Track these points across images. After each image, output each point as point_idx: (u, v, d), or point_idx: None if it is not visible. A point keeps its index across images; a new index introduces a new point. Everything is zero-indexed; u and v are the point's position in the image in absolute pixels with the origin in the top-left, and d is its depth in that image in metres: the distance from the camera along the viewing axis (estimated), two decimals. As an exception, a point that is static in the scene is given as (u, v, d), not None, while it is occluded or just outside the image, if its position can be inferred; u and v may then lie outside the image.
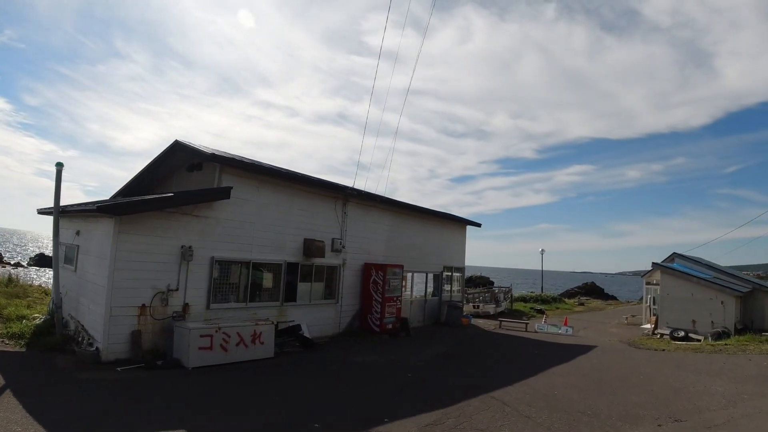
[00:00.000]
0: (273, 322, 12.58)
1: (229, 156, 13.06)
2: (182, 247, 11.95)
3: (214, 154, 12.78)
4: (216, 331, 11.26)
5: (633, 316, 26.41)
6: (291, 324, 14.18)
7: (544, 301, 35.63)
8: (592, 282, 52.98)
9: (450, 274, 23.15)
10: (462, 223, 24.09)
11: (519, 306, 31.68)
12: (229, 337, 11.47)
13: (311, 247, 14.84)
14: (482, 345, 17.08)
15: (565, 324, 22.57)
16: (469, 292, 30.48)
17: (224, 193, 12.75)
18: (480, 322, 23.71)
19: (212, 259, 12.54)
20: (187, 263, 12.05)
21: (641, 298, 49.05)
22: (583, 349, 17.01)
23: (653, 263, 24.45)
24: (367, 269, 17.02)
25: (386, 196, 18.05)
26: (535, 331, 21.51)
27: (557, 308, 33.59)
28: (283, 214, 14.52)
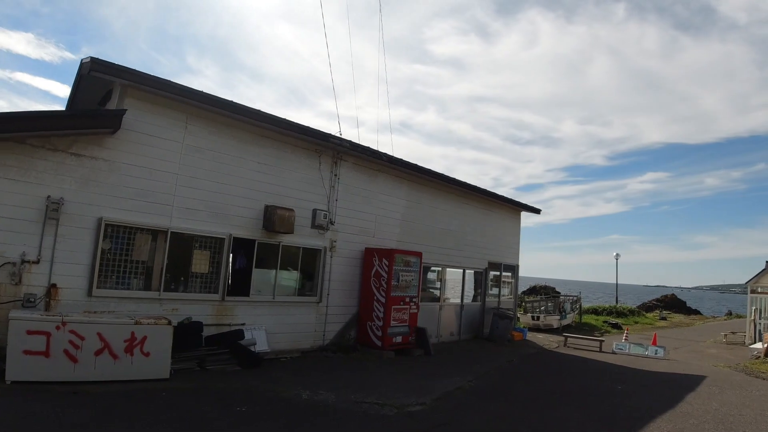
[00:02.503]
0: (169, 322, 7.60)
1: (130, 69, 8.32)
2: (48, 198, 7.56)
3: (101, 61, 8.06)
4: (58, 328, 6.69)
5: (733, 333, 21.60)
6: (230, 329, 9.17)
7: (619, 313, 30.34)
8: (673, 294, 49.08)
9: (498, 273, 17.31)
10: (515, 207, 18.23)
11: (589, 319, 26.09)
12: (83, 339, 6.95)
13: (274, 218, 9.81)
14: (537, 373, 11.36)
15: (654, 343, 16.67)
16: (527, 300, 24.34)
17: (110, 120, 8.18)
18: (539, 338, 17.86)
19: (100, 222, 8.16)
20: (56, 224, 7.72)
21: (728, 313, 44.58)
22: (689, 382, 11.08)
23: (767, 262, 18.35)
24: (368, 257, 11.74)
25: (404, 159, 12.68)
26: (614, 352, 15.79)
27: (636, 322, 28.32)
28: (230, 166, 9.71)
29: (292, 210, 10.08)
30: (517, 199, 17.84)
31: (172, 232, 8.89)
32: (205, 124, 9.40)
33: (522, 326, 18.88)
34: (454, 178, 14.32)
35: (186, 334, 8.39)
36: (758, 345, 17.33)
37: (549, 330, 19.90)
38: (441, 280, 14.82)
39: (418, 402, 7.25)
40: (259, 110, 9.63)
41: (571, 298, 24.73)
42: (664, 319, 33.42)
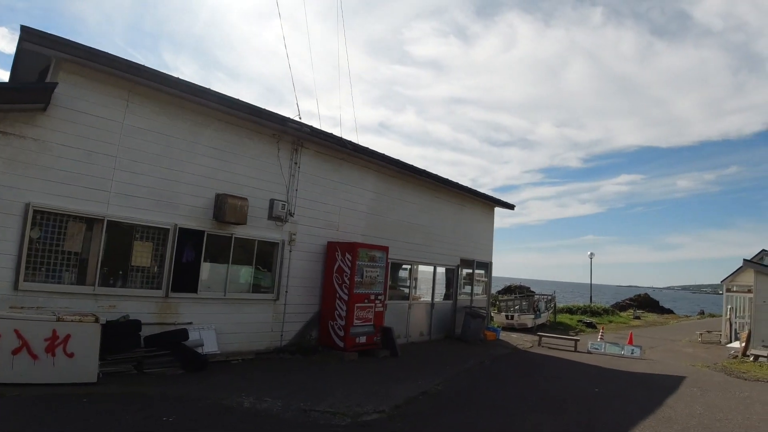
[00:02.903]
0: (96, 319, 6.83)
1: (63, 39, 7.49)
2: (-38, 181, 6.67)
3: (32, 31, 7.23)
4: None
5: (708, 332, 21.68)
6: (175, 328, 8.40)
7: (594, 313, 30.17)
8: (646, 294, 49.29)
9: (470, 271, 16.80)
10: (489, 203, 17.76)
11: (564, 318, 25.83)
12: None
13: (224, 207, 9.06)
14: (509, 375, 10.88)
15: (630, 342, 16.40)
16: (501, 299, 23.95)
17: (39, 94, 7.39)
18: (513, 337, 17.44)
19: (27, 208, 7.37)
20: (-29, 210, 6.77)
21: (701, 312, 45.04)
22: (669, 383, 10.72)
23: (744, 261, 18.47)
24: (331, 251, 11.06)
25: (371, 148, 12.01)
26: (589, 352, 15.45)
27: (610, 321, 28.36)
28: (178, 150, 8.96)
29: (245, 199, 9.34)
30: (492, 195, 17.33)
31: (109, 221, 8.09)
32: (149, 104, 8.62)
33: (496, 326, 18.43)
34: (425, 170, 13.72)
35: (121, 333, 7.63)
36: (735, 344, 17.36)
37: (523, 329, 19.51)
38: (410, 278, 14.23)
39: (376, 410, 6.61)
40: (208, 89, 8.87)
41: (545, 297, 24.37)
42: (638, 318, 33.55)
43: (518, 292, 31.34)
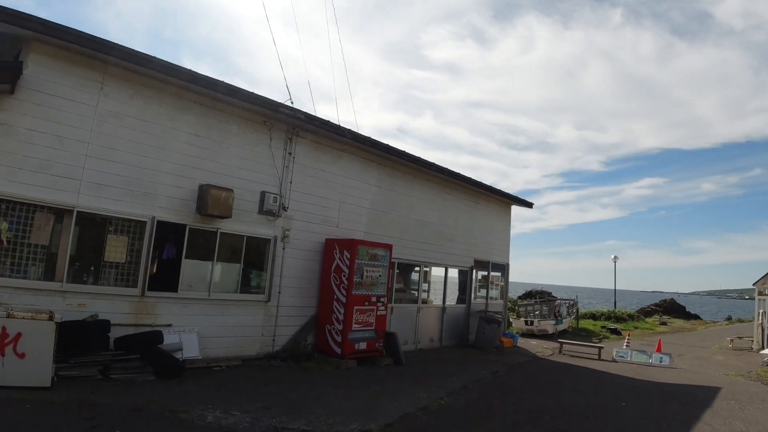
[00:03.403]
0: (50, 317, 6.24)
1: (33, 16, 6.98)
2: None
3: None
4: None
5: (739, 338, 20.94)
6: (149, 329, 7.78)
7: (618, 318, 29.37)
8: (672, 299, 48.97)
9: (485, 273, 15.93)
10: (505, 200, 16.84)
11: (587, 324, 24.97)
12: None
13: (207, 199, 8.42)
14: (525, 387, 10.02)
15: (659, 350, 15.40)
16: (520, 303, 22.97)
17: (4, 74, 6.90)
18: (532, 344, 16.54)
19: None
20: None
21: (728, 318, 44.96)
22: (703, 395, 9.87)
23: None
24: (329, 249, 10.35)
25: (372, 138, 11.29)
26: (614, 360, 14.59)
27: (636, 328, 27.51)
28: (157, 136, 8.41)
29: (230, 190, 8.69)
30: (508, 192, 16.41)
31: (79, 212, 7.56)
32: (126, 87, 8.09)
33: (514, 332, 17.55)
34: (434, 163, 12.94)
35: (86, 334, 7.07)
36: None
37: (544, 336, 18.70)
38: (419, 279, 13.43)
39: (361, 429, 5.82)
40: (190, 70, 8.29)
41: (567, 301, 23.37)
42: (664, 324, 32.92)
43: (539, 297, 30.35)
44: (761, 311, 19.56)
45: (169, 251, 8.56)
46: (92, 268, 7.88)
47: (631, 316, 31.69)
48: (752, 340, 20.03)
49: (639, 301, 61.69)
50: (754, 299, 20.39)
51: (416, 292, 13.36)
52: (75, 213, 7.49)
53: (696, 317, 43.09)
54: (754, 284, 20.79)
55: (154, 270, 8.36)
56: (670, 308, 43.70)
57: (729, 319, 42.73)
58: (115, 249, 8.01)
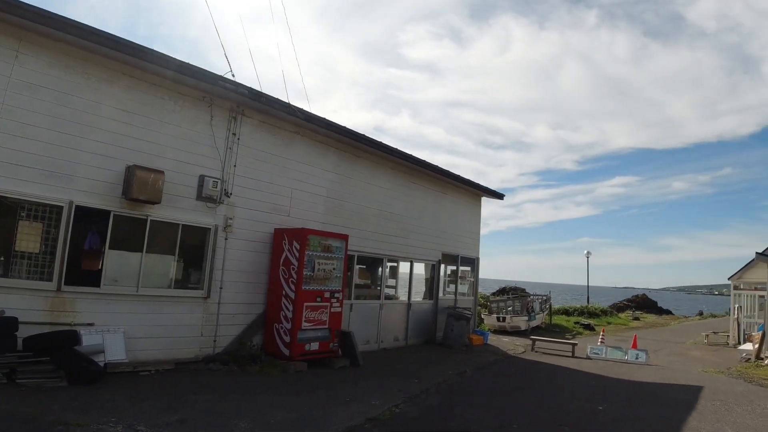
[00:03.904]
0: None
1: None
2: None
3: None
4: None
5: (714, 332, 21.24)
6: (67, 329, 6.99)
7: (591, 314, 29.86)
8: (644, 294, 49.87)
9: (454, 267, 15.40)
10: (475, 191, 16.34)
11: (560, 320, 25.02)
12: None
13: (135, 182, 7.67)
14: (493, 389, 9.53)
15: (634, 346, 15.19)
16: (492, 299, 22.65)
17: None
18: (504, 341, 16.19)
19: None
20: None
21: (700, 313, 45.74)
22: (685, 396, 9.52)
23: (757, 254, 16.99)
24: (278, 240, 9.66)
25: (329, 119, 10.59)
26: (589, 357, 14.30)
27: (609, 323, 28.06)
28: (78, 110, 7.66)
29: (160, 172, 7.93)
30: (478, 183, 15.88)
31: (-18, 195, 6.71)
32: (44, 55, 7.31)
33: (485, 329, 17.15)
34: (397, 149, 12.32)
35: (-14, 334, 6.21)
36: (747, 346, 16.47)
37: (516, 332, 18.45)
38: (381, 273, 12.80)
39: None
40: (111, 34, 7.45)
41: (540, 297, 23.17)
42: (637, 319, 33.43)
43: (512, 293, 30.15)
44: (737, 306, 19.75)
45: (91, 241, 7.76)
46: (1, 258, 7.08)
47: (604, 312, 32.20)
48: (728, 335, 20.18)
49: (611, 296, 63.22)
50: (723, 295, 20.76)
51: (376, 287, 12.75)
52: (-24, 196, 6.68)
53: (668, 312, 44.09)
54: (729, 278, 21.07)
55: (74, 261, 7.55)
56: (643, 304, 44.71)
57: (701, 314, 43.84)
58: (28, 237, 7.21)
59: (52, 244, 7.32)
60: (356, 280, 12.02)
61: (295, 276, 9.21)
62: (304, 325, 9.19)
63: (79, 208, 7.46)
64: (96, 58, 7.70)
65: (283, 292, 9.33)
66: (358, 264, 11.96)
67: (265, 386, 7.65)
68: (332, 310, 9.77)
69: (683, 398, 9.20)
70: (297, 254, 9.23)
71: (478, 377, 10.43)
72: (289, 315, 9.16)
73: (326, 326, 9.64)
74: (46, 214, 7.32)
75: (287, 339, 9.13)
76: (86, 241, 7.72)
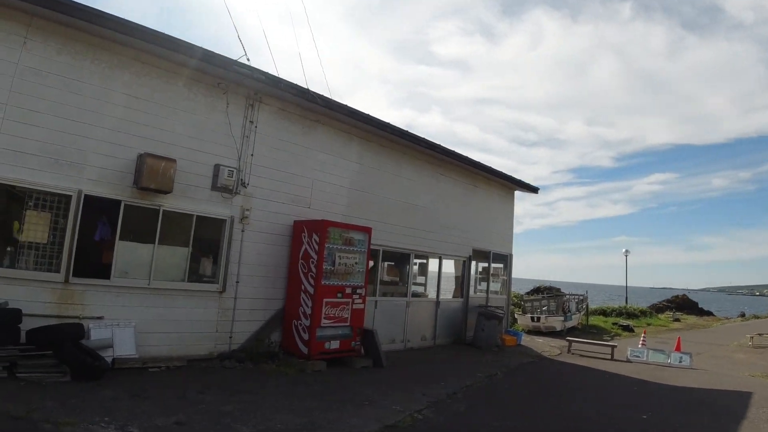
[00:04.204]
0: None
1: None
2: None
3: None
4: None
5: (759, 334, 20.19)
6: (73, 322, 6.77)
7: (630, 315, 28.72)
8: (684, 295, 48.42)
9: (486, 264, 14.76)
10: (508, 184, 15.66)
11: (597, 321, 24.20)
12: None
13: (145, 170, 7.37)
14: (525, 393, 9.01)
15: (678, 349, 14.27)
16: (526, 299, 21.90)
17: None
18: (538, 342, 15.51)
19: None
20: None
21: (742, 314, 44.38)
22: (733, 404, 8.76)
23: None
24: (298, 232, 9.29)
25: (351, 106, 10.16)
26: (628, 360, 13.53)
27: (648, 324, 26.85)
28: (86, 97, 7.48)
29: (171, 160, 7.65)
30: (511, 175, 15.18)
31: (-12, 184, 6.54)
32: (53, 41, 7.16)
33: (519, 329, 16.45)
34: (425, 139, 11.81)
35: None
36: None
37: (551, 333, 17.74)
38: (408, 269, 12.29)
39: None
40: (124, 19, 7.19)
41: (576, 297, 22.26)
42: (677, 320, 32.38)
43: (546, 292, 29.26)
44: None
45: (102, 232, 7.53)
46: (8, 249, 6.95)
47: (643, 312, 31.22)
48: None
49: (649, 297, 61.37)
50: (764, 296, 19.41)
51: (403, 284, 12.27)
52: (-18, 184, 6.51)
53: (709, 313, 42.86)
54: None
55: (82, 252, 7.33)
56: (683, 304, 43.44)
57: (743, 315, 42.18)
58: (35, 227, 7.04)
59: (60, 235, 7.13)
60: (382, 276, 11.58)
61: (314, 270, 8.81)
62: (324, 322, 8.80)
63: (88, 198, 7.25)
64: (106, 43, 7.49)
65: (302, 287, 8.95)
66: (383, 259, 11.51)
67: (277, 386, 7.26)
68: (354, 306, 9.34)
69: (732, 405, 8.48)
70: (316, 247, 8.83)
71: (510, 381, 9.82)
72: (308, 311, 8.77)
73: (347, 324, 9.22)
74: (55, 203, 7.14)
75: (306, 336, 8.75)
76: (96, 232, 7.50)
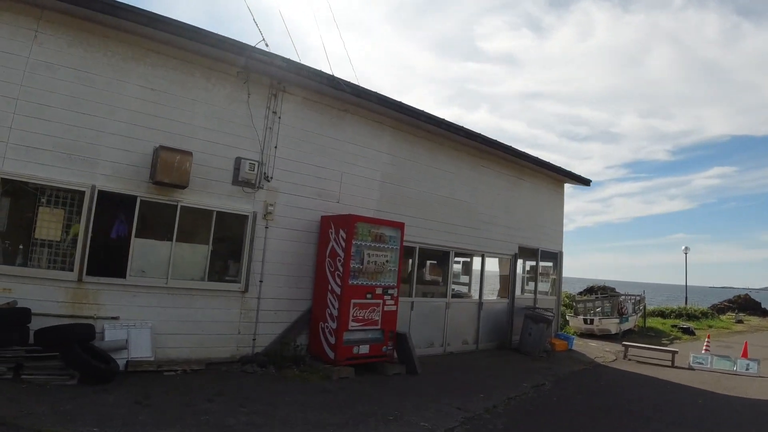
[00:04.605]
0: None
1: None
2: None
3: None
4: None
5: None
6: (87, 322, 6.54)
7: (690, 316, 26.87)
8: (747, 295, 45.30)
9: (534, 263, 13.86)
10: (557, 177, 14.62)
11: (655, 323, 22.63)
12: None
13: (159, 164, 7.03)
14: (577, 407, 8.18)
15: (744, 355, 13.05)
16: (579, 300, 20.70)
17: None
18: (591, 347, 14.48)
19: None
20: None
21: None
22: None
23: None
24: (325, 228, 8.80)
25: (381, 93, 9.59)
26: (691, 368, 12.44)
27: (710, 326, 25.16)
28: (100, 90, 7.29)
29: (187, 153, 7.30)
30: (560, 166, 14.17)
31: (4, 180, 6.47)
32: (64, 34, 7.02)
33: (570, 332, 15.46)
34: (464, 128, 11.05)
35: (-3, 324, 5.84)
36: None
37: (606, 336, 16.57)
38: (449, 269, 11.60)
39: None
40: (137, 8, 6.90)
41: (632, 297, 20.85)
42: (740, 322, 30.40)
43: (600, 293, 27.72)
44: None
45: (118, 229, 7.30)
46: (21, 247, 6.83)
47: (704, 314, 29.38)
48: None
49: (709, 297, 57.67)
50: None
51: (441, 284, 11.59)
52: (-2, 180, 6.37)
53: None
54: None
55: (97, 250, 7.10)
56: (745, 305, 40.96)
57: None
58: (48, 224, 6.87)
59: (72, 231, 6.93)
60: (418, 275, 10.96)
61: (341, 269, 8.31)
62: (352, 324, 8.27)
63: (102, 193, 7.03)
64: (119, 34, 7.26)
65: (329, 287, 8.47)
66: (420, 257, 10.88)
67: (296, 395, 6.77)
68: (385, 308, 8.77)
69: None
70: (343, 244, 8.32)
71: (559, 392, 8.96)
72: (335, 313, 8.27)
73: (378, 327, 8.66)
74: (68, 199, 6.96)
75: (332, 340, 8.25)
76: (111, 229, 7.27)
